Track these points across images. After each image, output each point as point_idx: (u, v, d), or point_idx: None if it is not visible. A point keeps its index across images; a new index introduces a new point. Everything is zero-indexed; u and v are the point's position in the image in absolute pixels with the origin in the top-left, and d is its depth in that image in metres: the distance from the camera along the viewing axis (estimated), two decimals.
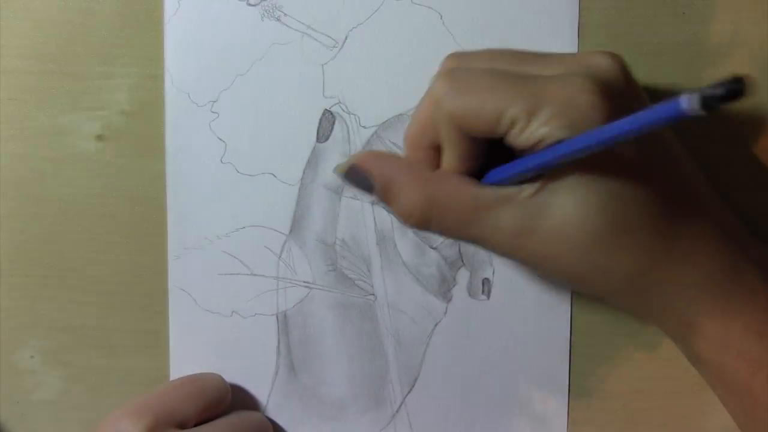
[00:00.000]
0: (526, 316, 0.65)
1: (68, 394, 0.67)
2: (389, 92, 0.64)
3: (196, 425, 0.61)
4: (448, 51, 0.62)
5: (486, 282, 0.64)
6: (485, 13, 0.63)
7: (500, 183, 0.49)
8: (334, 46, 0.64)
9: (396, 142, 0.64)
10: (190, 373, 0.66)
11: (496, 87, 0.47)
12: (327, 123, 0.64)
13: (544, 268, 0.52)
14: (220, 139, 0.64)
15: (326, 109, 0.64)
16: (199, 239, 0.65)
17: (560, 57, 0.50)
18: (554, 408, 0.66)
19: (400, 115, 0.64)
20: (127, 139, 0.65)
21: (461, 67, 0.51)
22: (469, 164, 0.50)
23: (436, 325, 0.65)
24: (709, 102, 0.36)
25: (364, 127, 0.64)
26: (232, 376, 0.66)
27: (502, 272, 0.64)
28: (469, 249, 0.65)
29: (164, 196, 0.65)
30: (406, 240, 0.65)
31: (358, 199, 0.64)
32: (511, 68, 0.49)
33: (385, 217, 0.65)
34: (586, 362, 0.66)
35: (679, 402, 0.66)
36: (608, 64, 0.49)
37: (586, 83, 0.46)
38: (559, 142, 0.45)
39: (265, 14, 0.63)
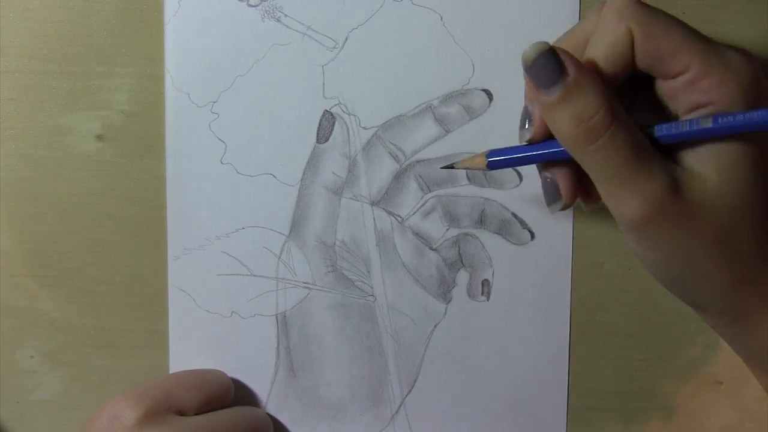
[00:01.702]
0: (525, 317, 0.65)
1: (68, 394, 0.67)
2: (389, 93, 0.64)
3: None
4: (448, 52, 0.63)
5: (485, 283, 0.65)
6: (485, 14, 0.63)
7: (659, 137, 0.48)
8: (334, 47, 0.64)
9: (396, 143, 0.64)
10: None
11: (681, 27, 0.47)
12: (327, 124, 0.64)
13: (666, 241, 0.48)
14: (220, 140, 0.64)
15: (326, 110, 0.64)
16: (199, 240, 0.65)
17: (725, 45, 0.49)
18: (553, 408, 0.66)
19: (400, 116, 0.64)
20: (127, 139, 0.65)
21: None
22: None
23: (435, 326, 0.65)
24: None
25: (364, 127, 0.64)
26: (232, 376, 0.66)
27: (502, 273, 0.64)
28: (469, 250, 0.65)
29: (164, 196, 0.65)
30: (405, 241, 0.65)
31: (357, 200, 0.64)
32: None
33: (384, 218, 0.65)
34: (586, 362, 0.66)
35: (679, 402, 0.66)
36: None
37: (756, 60, 0.46)
38: (731, 113, 0.45)
39: (266, 15, 0.63)
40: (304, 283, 0.65)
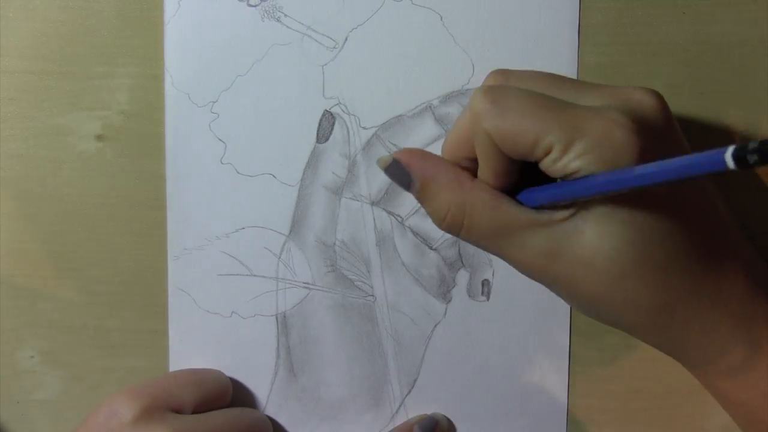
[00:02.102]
0: (525, 317, 0.65)
1: (68, 394, 0.67)
2: (389, 93, 0.64)
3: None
4: (447, 52, 0.63)
5: (485, 283, 0.65)
6: (485, 13, 0.63)
7: (532, 204, 0.49)
8: (334, 47, 0.64)
9: (396, 143, 0.64)
10: None
11: (534, 112, 0.47)
12: (327, 124, 0.64)
13: (568, 293, 0.51)
14: (220, 140, 0.64)
15: (326, 110, 0.64)
16: (199, 240, 0.65)
17: (601, 87, 0.50)
18: (554, 408, 0.66)
19: (400, 116, 0.64)
20: (127, 139, 0.65)
21: (502, 86, 0.50)
22: (503, 180, 0.50)
23: (435, 326, 0.65)
24: (746, 161, 0.36)
25: (364, 127, 0.64)
26: (232, 377, 0.66)
27: (502, 273, 0.64)
28: (469, 250, 0.65)
29: (164, 196, 0.65)
30: (405, 241, 0.65)
31: (357, 200, 0.64)
32: (550, 93, 0.49)
33: (384, 217, 0.65)
34: (586, 362, 0.66)
35: (679, 402, 0.66)
36: (649, 102, 0.48)
37: (623, 118, 0.46)
38: (592, 175, 0.45)
39: (266, 15, 0.63)
40: (304, 283, 0.65)
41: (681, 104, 0.63)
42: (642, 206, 0.47)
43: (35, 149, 0.65)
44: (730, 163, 0.37)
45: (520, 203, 0.49)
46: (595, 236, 0.47)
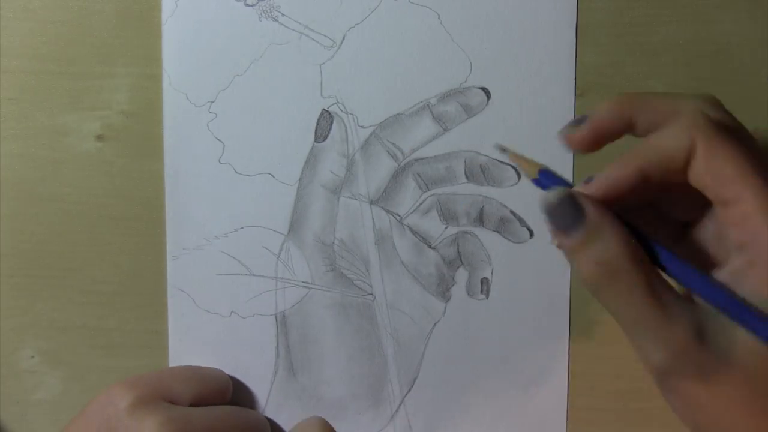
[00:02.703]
0: (524, 316, 0.65)
1: (68, 394, 0.68)
2: (387, 92, 0.64)
3: None
4: (445, 50, 0.63)
5: (485, 281, 0.64)
6: (482, 12, 0.63)
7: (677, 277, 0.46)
8: (331, 46, 0.64)
9: (394, 142, 0.64)
10: None
11: (748, 153, 0.45)
12: (325, 123, 0.64)
13: (693, 394, 0.45)
14: (218, 140, 0.65)
15: (324, 109, 0.64)
16: (198, 239, 0.65)
17: None
18: (553, 407, 0.66)
19: (398, 114, 0.64)
20: (127, 139, 0.65)
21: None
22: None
23: (435, 324, 0.65)
24: None
25: (362, 126, 0.64)
26: (232, 376, 0.66)
27: (501, 272, 0.64)
28: (468, 248, 0.65)
29: (163, 196, 0.65)
30: (404, 240, 0.65)
31: (356, 199, 0.65)
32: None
33: (383, 216, 0.65)
34: (585, 362, 0.65)
35: None
36: None
37: None
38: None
39: (263, 14, 0.64)
40: (303, 282, 0.65)
41: None
42: None
43: (35, 149, 0.65)
44: None
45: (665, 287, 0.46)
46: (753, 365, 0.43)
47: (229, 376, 0.66)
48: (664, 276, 0.46)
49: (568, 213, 0.46)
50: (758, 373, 0.43)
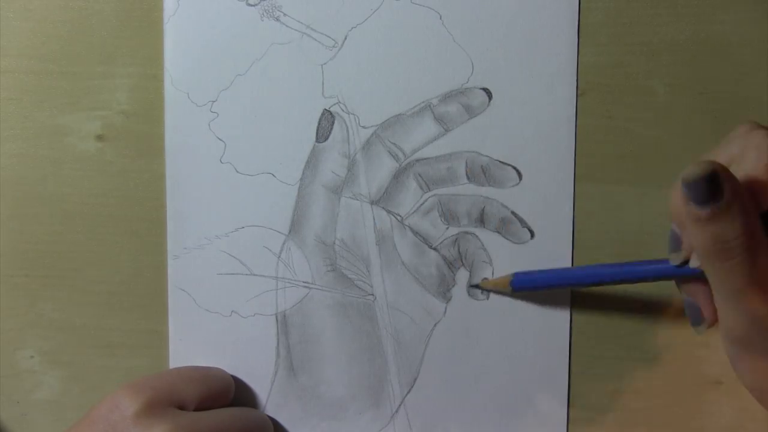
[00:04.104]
0: (525, 316, 0.65)
1: (68, 394, 0.68)
2: (388, 92, 0.64)
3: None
4: (447, 51, 0.63)
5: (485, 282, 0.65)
6: (484, 12, 0.63)
7: None
8: (333, 46, 0.64)
9: (395, 142, 0.64)
10: None
11: None
12: (326, 123, 0.64)
13: None
14: (220, 139, 0.64)
15: (325, 109, 0.64)
16: (199, 239, 0.65)
17: None
18: (554, 408, 0.65)
19: (400, 114, 0.64)
20: (127, 139, 0.65)
21: None
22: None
23: (435, 325, 0.65)
24: None
25: (364, 126, 0.64)
26: (232, 375, 0.66)
27: (502, 272, 0.64)
28: (469, 249, 0.65)
29: (164, 196, 0.65)
30: (405, 240, 0.65)
31: (357, 199, 0.65)
32: None
33: (384, 217, 0.65)
34: (586, 362, 0.65)
35: (679, 402, 0.66)
36: None
37: None
38: None
39: (265, 14, 0.64)
40: (303, 282, 0.65)
41: (681, 104, 0.63)
42: None
43: (35, 149, 0.65)
44: None
45: None
46: None
47: (230, 375, 0.66)
48: None
49: (708, 188, 0.47)
50: None
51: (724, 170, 0.47)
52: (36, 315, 0.67)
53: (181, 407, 0.60)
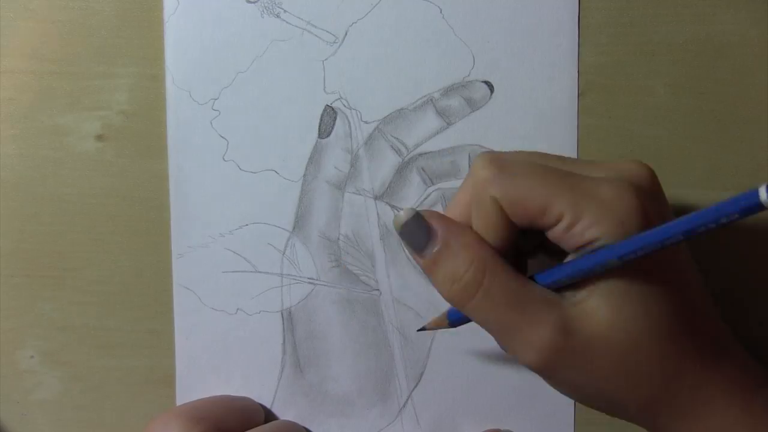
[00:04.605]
0: None
1: (68, 394, 0.67)
2: (390, 87, 0.64)
3: None
4: (448, 44, 0.63)
5: None
6: (484, 5, 0.63)
7: (543, 283, 0.49)
8: (334, 42, 0.64)
9: (398, 137, 0.64)
10: (195, 371, 0.66)
11: (544, 178, 0.47)
12: (328, 119, 0.64)
13: (575, 378, 0.49)
14: (222, 137, 0.64)
15: (327, 105, 0.64)
16: (203, 237, 0.65)
17: (595, 163, 0.50)
18: (561, 402, 0.65)
19: (402, 109, 0.64)
20: (127, 139, 0.65)
21: (504, 153, 0.50)
22: (502, 253, 0.49)
23: None
24: None
25: (366, 122, 0.64)
26: (238, 374, 0.66)
27: None
28: None
29: (165, 195, 0.65)
30: None
31: (360, 195, 0.64)
32: (552, 165, 0.49)
33: (388, 211, 0.64)
34: None
35: None
36: (640, 172, 0.49)
37: (629, 187, 0.47)
38: (607, 246, 0.46)
39: (265, 11, 0.64)
40: (308, 278, 0.65)
41: (681, 104, 0.63)
42: (653, 278, 0.47)
43: (35, 149, 0.65)
44: (764, 197, 0.39)
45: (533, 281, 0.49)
46: (611, 312, 0.47)
47: (234, 375, 0.66)
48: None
49: (418, 231, 0.49)
50: (619, 352, 0.47)
51: (428, 212, 0.49)
52: (36, 315, 0.66)
53: None
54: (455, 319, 0.54)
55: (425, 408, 0.65)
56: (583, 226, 0.46)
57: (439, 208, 0.64)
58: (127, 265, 0.66)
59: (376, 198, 0.64)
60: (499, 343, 0.50)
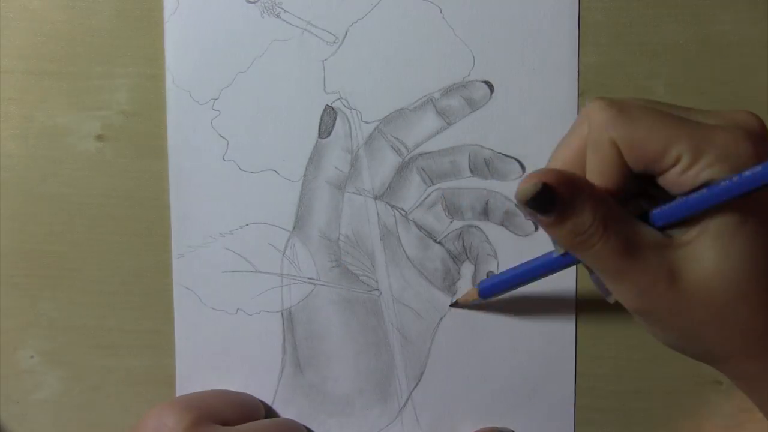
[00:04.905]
0: (531, 308, 0.65)
1: (68, 394, 0.67)
2: (390, 87, 0.64)
3: None
4: (448, 44, 0.63)
5: (490, 275, 0.64)
6: (484, 6, 0.63)
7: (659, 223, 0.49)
8: (334, 42, 0.64)
9: (398, 137, 0.64)
10: (195, 371, 0.66)
11: (663, 122, 0.47)
12: (328, 119, 0.64)
13: (673, 323, 0.49)
14: (222, 137, 0.64)
15: (327, 105, 0.64)
16: (203, 237, 0.65)
17: (710, 111, 0.50)
18: (560, 400, 0.65)
19: (402, 109, 0.64)
20: (127, 139, 0.65)
21: (623, 98, 0.50)
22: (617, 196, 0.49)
23: (441, 319, 0.65)
24: None
25: (366, 122, 0.64)
26: (238, 374, 0.66)
27: (507, 265, 0.63)
28: (474, 242, 0.64)
29: (164, 195, 0.65)
30: (409, 234, 0.65)
31: (360, 195, 0.64)
32: (666, 110, 0.49)
33: (388, 211, 0.65)
34: (589, 362, 0.65)
35: (679, 402, 0.66)
36: (753, 120, 0.49)
37: (744, 133, 0.47)
38: (727, 178, 0.46)
39: (265, 11, 0.64)
40: (308, 278, 0.65)
41: (681, 104, 0.63)
42: (763, 218, 0.47)
43: (35, 149, 0.65)
44: None
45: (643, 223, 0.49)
46: (718, 255, 0.47)
47: (235, 375, 0.66)
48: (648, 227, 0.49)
49: (542, 199, 0.48)
50: (721, 299, 0.47)
51: (551, 175, 0.48)
52: (36, 315, 0.66)
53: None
54: (487, 293, 0.56)
55: (425, 408, 0.65)
56: (699, 168, 0.46)
57: (439, 209, 0.64)
58: (128, 265, 0.66)
59: (376, 198, 0.64)
60: (600, 286, 0.52)
